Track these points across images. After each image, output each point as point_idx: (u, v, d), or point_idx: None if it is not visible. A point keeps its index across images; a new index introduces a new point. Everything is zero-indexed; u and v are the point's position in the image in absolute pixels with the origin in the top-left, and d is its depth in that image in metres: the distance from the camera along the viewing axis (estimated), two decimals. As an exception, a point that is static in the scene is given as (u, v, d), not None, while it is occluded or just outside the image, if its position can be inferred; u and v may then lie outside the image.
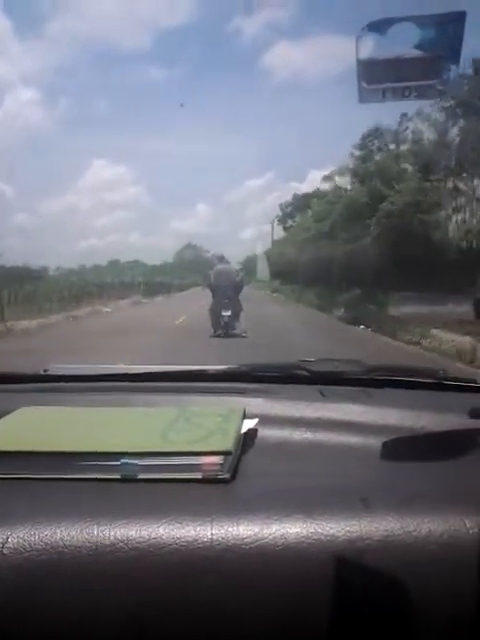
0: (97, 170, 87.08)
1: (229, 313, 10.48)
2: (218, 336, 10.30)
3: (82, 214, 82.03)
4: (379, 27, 0.67)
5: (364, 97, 0.72)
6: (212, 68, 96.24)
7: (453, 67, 0.70)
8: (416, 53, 0.68)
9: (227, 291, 10.57)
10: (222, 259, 11.63)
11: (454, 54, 0.69)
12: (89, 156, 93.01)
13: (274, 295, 33.52)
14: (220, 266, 11.18)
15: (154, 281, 46.80)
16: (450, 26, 0.66)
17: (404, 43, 0.69)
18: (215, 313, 10.65)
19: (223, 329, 10.48)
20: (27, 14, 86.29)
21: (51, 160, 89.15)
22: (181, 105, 78.63)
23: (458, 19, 0.65)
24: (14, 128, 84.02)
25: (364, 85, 0.71)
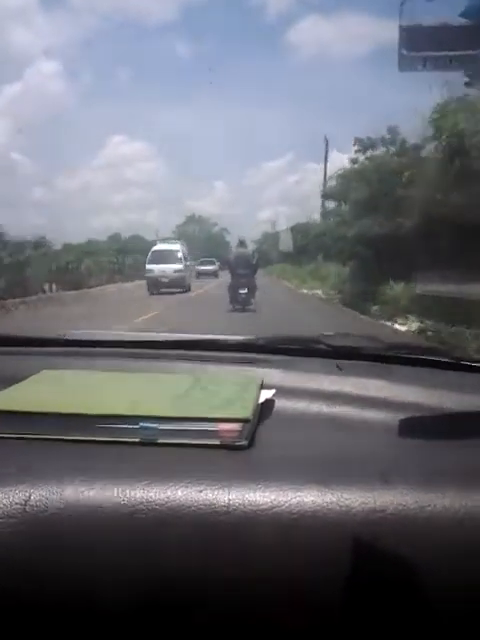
0: (116, 145, 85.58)
1: (245, 291, 12.21)
2: (236, 310, 11.96)
3: (98, 190, 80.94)
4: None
5: (404, 65, 0.70)
6: (236, 42, 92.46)
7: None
8: (461, 21, 0.65)
9: (245, 271, 12.29)
10: (242, 244, 13.77)
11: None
12: (108, 131, 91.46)
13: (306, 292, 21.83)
14: (238, 250, 13.25)
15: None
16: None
17: (448, 11, 0.66)
18: (234, 290, 12.34)
19: (240, 304, 12.16)
20: None
21: (70, 134, 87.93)
22: (210, 83, 76.67)
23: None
24: (34, 101, 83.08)
25: (404, 52, 0.68)
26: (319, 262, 24.97)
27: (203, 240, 60.69)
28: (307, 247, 26.89)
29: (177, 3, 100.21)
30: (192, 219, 69.15)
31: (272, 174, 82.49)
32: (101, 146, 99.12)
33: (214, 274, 36.21)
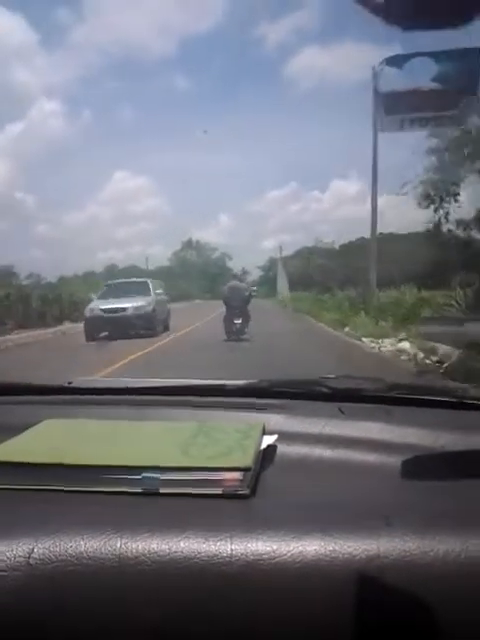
0: (118, 181, 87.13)
1: (240, 321, 12.71)
2: (232, 340, 12.28)
3: (103, 225, 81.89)
4: (396, 61, 0.70)
5: (384, 127, 0.75)
6: (236, 77, 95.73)
7: (472, 98, 0.72)
8: (434, 86, 0.71)
9: (239, 303, 12.87)
10: (236, 276, 14.94)
11: (472, 86, 0.71)
12: (111, 167, 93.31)
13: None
14: (233, 282, 13.71)
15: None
16: (468, 61, 0.69)
17: (422, 77, 0.72)
18: (228, 321, 12.84)
19: (235, 334, 12.58)
20: (51, 23, 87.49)
21: (72, 171, 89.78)
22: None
23: (476, 54, 0.68)
24: (37, 139, 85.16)
25: (383, 116, 0.73)
26: (334, 290, 22.71)
27: (201, 267, 56.23)
28: (317, 272, 24.96)
29: (177, 37, 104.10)
30: (189, 245, 63.10)
31: (275, 204, 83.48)
32: (105, 182, 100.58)
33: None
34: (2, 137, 75.63)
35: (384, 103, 0.72)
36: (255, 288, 15.61)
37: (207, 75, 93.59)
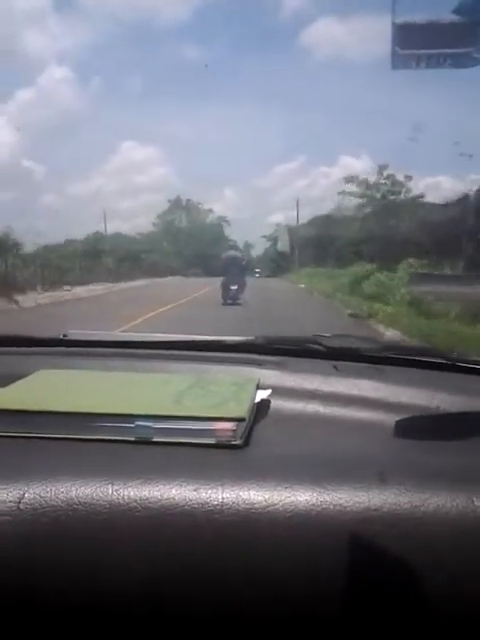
0: (126, 151, 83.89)
1: (236, 287, 14.57)
2: (228, 304, 14.12)
3: (108, 195, 79.33)
4: (417, -11, 0.65)
5: (397, 63, 0.70)
6: (249, 46, 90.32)
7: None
8: (453, 18, 0.65)
9: (235, 271, 14.70)
10: (233, 247, 17.73)
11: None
12: (119, 136, 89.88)
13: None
14: (231, 253, 16.34)
15: (129, 257, 32.60)
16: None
17: (441, 8, 0.66)
18: (225, 287, 14.73)
19: (231, 299, 14.45)
20: None
21: (81, 140, 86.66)
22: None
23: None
24: (46, 107, 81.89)
25: (398, 50, 0.68)
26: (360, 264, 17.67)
27: (193, 233, 45.03)
28: (333, 244, 21.13)
29: (188, 5, 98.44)
30: (178, 205, 49.71)
31: (283, 178, 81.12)
32: (112, 151, 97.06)
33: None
34: (11, 105, 72.39)
35: (400, 35, 0.67)
36: (258, 270, 16.66)
37: (218, 44, 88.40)
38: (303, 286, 20.60)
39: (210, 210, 51.45)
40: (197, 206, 50.82)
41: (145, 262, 35.30)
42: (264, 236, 45.17)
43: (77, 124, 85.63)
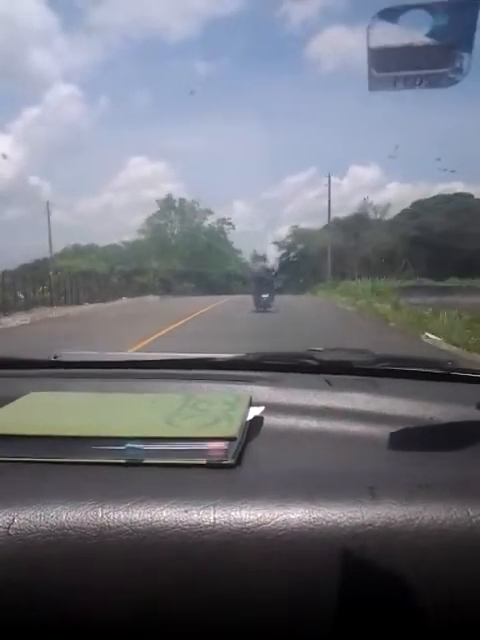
0: (135, 166, 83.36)
1: (267, 295, 15.66)
2: (258, 311, 15.14)
3: (118, 211, 78.73)
4: (390, 15, 0.67)
5: (374, 85, 0.72)
6: (257, 59, 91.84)
7: (466, 55, 0.69)
8: (428, 41, 0.67)
9: (265, 280, 15.94)
10: (261, 258, 19.33)
11: (467, 42, 0.68)
12: (128, 152, 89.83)
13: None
14: (262, 263, 17.63)
15: (115, 273, 28.34)
16: (462, 14, 0.65)
17: (415, 31, 0.68)
18: (257, 294, 15.90)
19: (262, 306, 15.50)
20: (71, 6, 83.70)
21: (90, 157, 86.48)
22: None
23: (471, 7, 0.64)
24: (54, 124, 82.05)
25: (374, 72, 0.70)
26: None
27: (186, 240, 36.63)
28: (355, 252, 19.66)
29: (196, 19, 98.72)
30: (169, 204, 39.69)
31: (293, 189, 79.94)
32: (121, 167, 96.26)
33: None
34: (19, 122, 73.06)
35: (375, 59, 0.69)
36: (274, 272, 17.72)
37: (227, 57, 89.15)
38: (351, 309, 15.06)
39: (208, 211, 41.93)
40: (192, 206, 41.32)
41: (113, 278, 28.90)
42: (276, 242, 37.46)
43: (85, 141, 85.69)
